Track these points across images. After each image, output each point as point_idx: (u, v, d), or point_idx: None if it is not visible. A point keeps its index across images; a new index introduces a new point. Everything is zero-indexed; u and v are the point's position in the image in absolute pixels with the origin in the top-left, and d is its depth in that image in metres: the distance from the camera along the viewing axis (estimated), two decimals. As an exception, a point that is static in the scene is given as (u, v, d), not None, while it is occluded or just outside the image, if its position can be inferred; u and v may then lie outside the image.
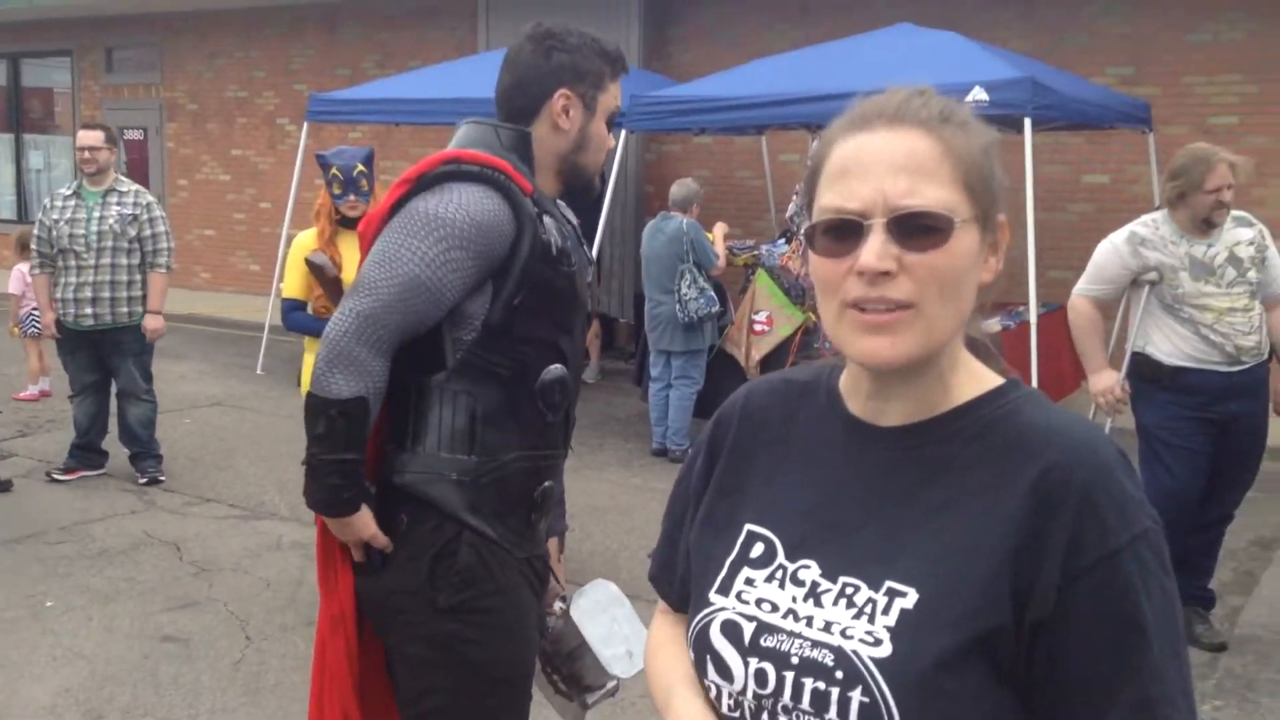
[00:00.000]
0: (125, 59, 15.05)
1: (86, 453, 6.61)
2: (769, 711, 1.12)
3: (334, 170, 4.45)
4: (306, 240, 4.55)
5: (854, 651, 1.09)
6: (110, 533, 5.68)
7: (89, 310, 6.21)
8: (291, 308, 4.56)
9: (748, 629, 1.15)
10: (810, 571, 1.17)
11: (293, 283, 4.55)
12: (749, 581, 1.19)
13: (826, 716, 1.09)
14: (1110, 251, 4.38)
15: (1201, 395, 4.24)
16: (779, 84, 7.26)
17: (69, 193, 6.30)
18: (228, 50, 14.04)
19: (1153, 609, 1.06)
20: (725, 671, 1.16)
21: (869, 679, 1.07)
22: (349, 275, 4.54)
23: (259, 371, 9.73)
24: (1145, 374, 4.38)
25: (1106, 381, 4.40)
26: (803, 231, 1.18)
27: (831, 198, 1.12)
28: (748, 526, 1.24)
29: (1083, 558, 1.06)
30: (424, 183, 2.13)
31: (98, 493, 6.34)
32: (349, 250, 4.55)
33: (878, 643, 1.09)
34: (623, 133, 7.67)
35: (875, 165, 1.10)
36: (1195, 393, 4.24)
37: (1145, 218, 4.42)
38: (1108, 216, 8.51)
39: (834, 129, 1.17)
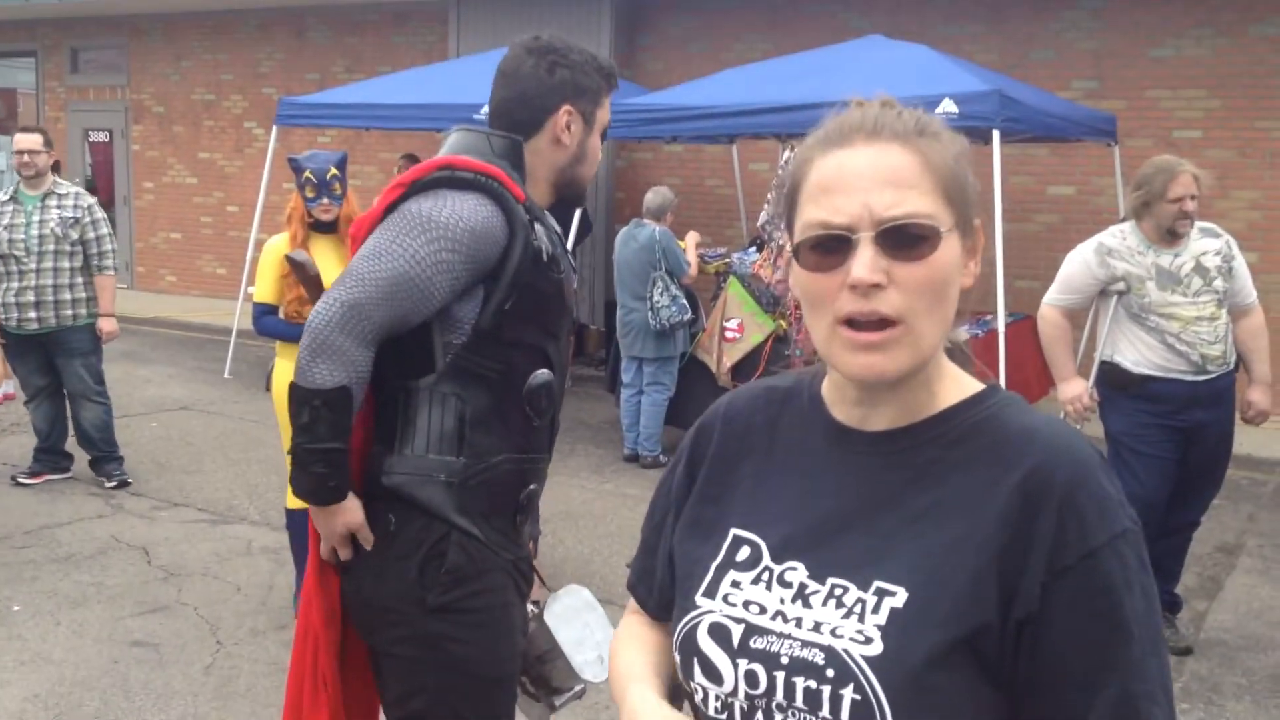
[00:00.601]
0: (91, 60, 14.91)
1: (51, 455, 6.55)
2: (763, 711, 1.14)
3: (307, 174, 4.44)
4: (278, 245, 4.54)
5: (845, 650, 1.11)
6: (77, 537, 5.63)
7: (32, 314, 6.16)
8: (263, 312, 4.54)
9: (736, 631, 1.17)
10: (797, 573, 1.18)
11: (265, 287, 4.53)
12: (735, 584, 1.21)
13: (820, 714, 1.11)
14: (1079, 262, 4.45)
15: (1168, 404, 4.31)
16: (750, 94, 7.31)
17: (5, 198, 6.24)
18: (195, 53, 13.95)
19: (1134, 606, 1.09)
20: (713, 674, 1.17)
21: (860, 677, 1.09)
22: (326, 279, 4.54)
23: (226, 375, 9.66)
24: (1113, 382, 4.45)
25: (1075, 390, 4.47)
26: (789, 248, 1.19)
27: (816, 213, 1.14)
28: (733, 531, 1.25)
29: (1066, 556, 1.09)
30: (418, 187, 2.14)
31: (64, 497, 6.28)
32: (321, 255, 4.54)
33: (868, 641, 1.11)
34: (595, 140, 7.69)
35: (859, 180, 1.12)
36: (1162, 401, 4.31)
37: (1113, 228, 4.49)
38: (1074, 227, 8.63)
39: (810, 146, 1.18)
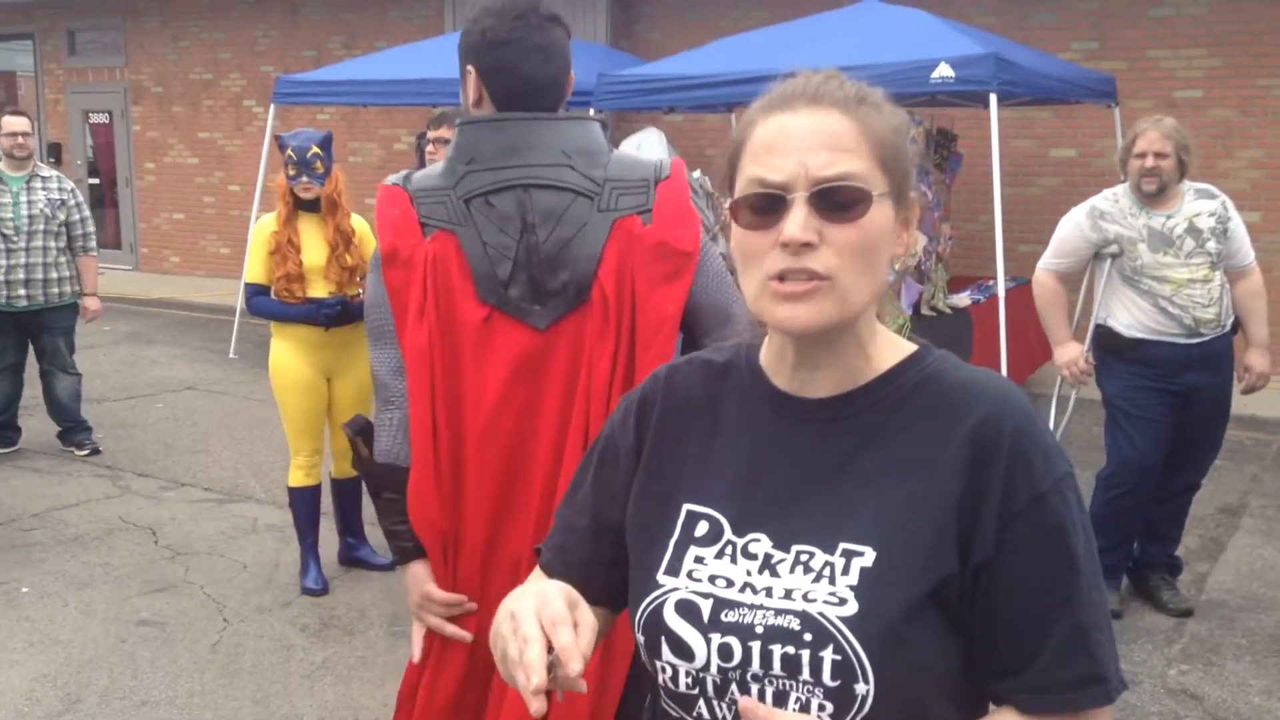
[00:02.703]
0: (88, 42, 14.88)
1: (3, 431, 6.75)
2: (737, 682, 1.16)
3: (289, 151, 4.46)
4: (266, 224, 4.56)
5: (820, 613, 1.13)
6: (84, 518, 5.68)
7: (22, 292, 6.37)
8: (255, 292, 4.57)
9: (705, 606, 1.18)
10: (761, 544, 1.20)
11: (255, 267, 4.56)
12: (699, 560, 1.22)
13: (800, 678, 1.13)
14: (1071, 225, 4.45)
15: (1161, 367, 4.31)
16: (746, 61, 7.27)
17: None
18: (192, 32, 13.91)
19: (1078, 543, 1.16)
20: (684, 650, 1.18)
21: (839, 637, 1.12)
22: (308, 257, 4.55)
23: (231, 355, 9.69)
24: (1107, 346, 4.45)
25: (1071, 354, 4.47)
26: (726, 207, 1.21)
27: (755, 171, 1.16)
28: (686, 507, 1.26)
29: (1016, 501, 1.14)
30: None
31: (72, 479, 6.33)
32: (308, 232, 4.57)
33: (842, 602, 1.14)
34: (590, 111, 7.67)
35: (798, 141, 1.15)
36: (1155, 364, 4.31)
37: (1106, 191, 4.48)
38: (1076, 190, 8.59)
39: (754, 109, 1.21)
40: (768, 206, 1.15)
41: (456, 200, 2.05)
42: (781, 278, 1.14)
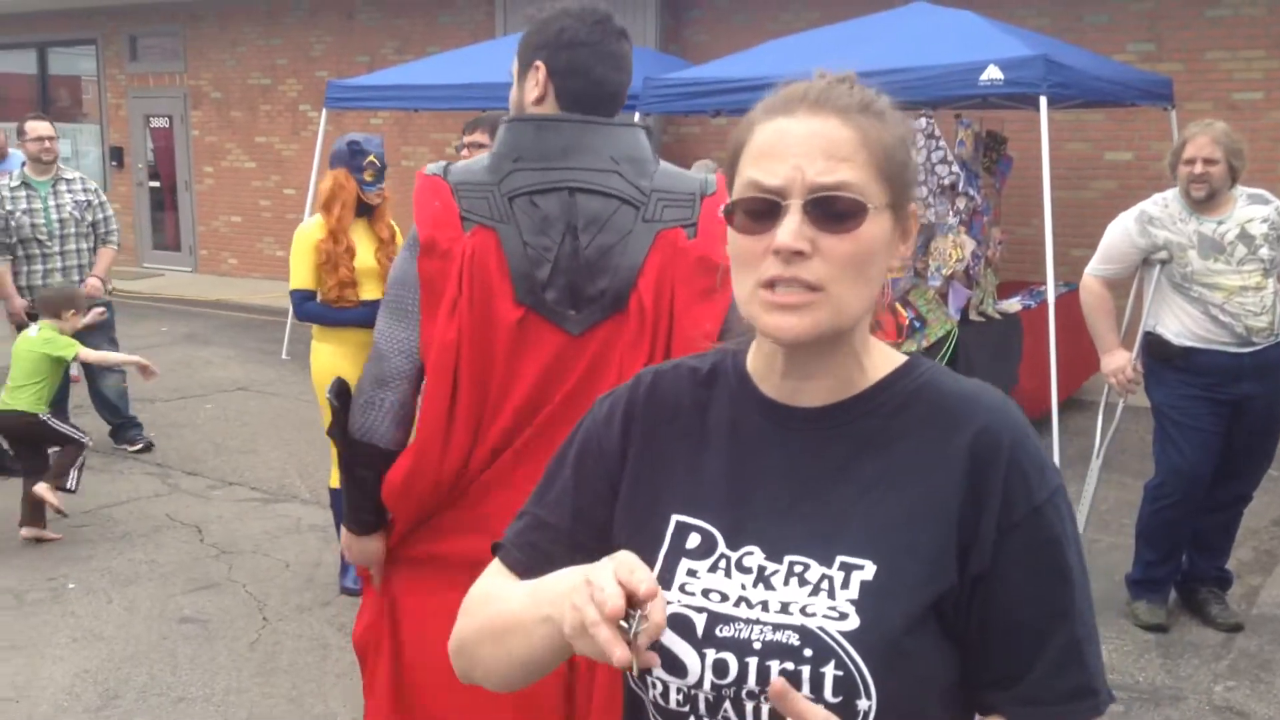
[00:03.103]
0: (149, 47, 15.14)
1: None
2: (731, 700, 1.13)
3: (371, 157, 4.48)
4: (311, 230, 4.55)
5: (820, 628, 1.11)
6: (133, 516, 5.77)
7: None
8: (304, 298, 4.56)
9: (699, 621, 1.15)
10: (754, 557, 1.18)
11: (301, 273, 4.54)
12: (691, 573, 1.19)
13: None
14: (1120, 230, 4.36)
15: (1211, 376, 4.21)
16: (793, 64, 7.01)
17: (16, 184, 6.45)
18: (250, 38, 14.11)
19: (1072, 556, 1.16)
20: (676, 666, 1.14)
21: (841, 653, 1.10)
22: (360, 260, 4.57)
23: (284, 356, 9.81)
24: (1156, 354, 4.36)
25: (1118, 361, 4.39)
26: (721, 210, 1.20)
27: (752, 174, 1.14)
28: (675, 518, 1.23)
29: (1014, 513, 1.14)
30: None
31: (123, 477, 6.43)
32: (359, 237, 4.59)
33: (843, 617, 1.11)
34: (635, 115, 7.67)
35: (796, 146, 1.13)
36: (1205, 373, 4.22)
37: (1156, 196, 4.39)
38: (1131, 194, 8.39)
39: (757, 111, 1.19)
40: (763, 211, 1.13)
41: (500, 197, 2.04)
42: (772, 285, 1.12)
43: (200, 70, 14.63)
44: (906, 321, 6.67)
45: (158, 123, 15.11)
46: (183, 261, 15.14)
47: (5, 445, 5.85)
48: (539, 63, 2.10)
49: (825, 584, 1.14)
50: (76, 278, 6.50)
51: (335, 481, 4.78)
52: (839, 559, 1.15)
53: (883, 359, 1.24)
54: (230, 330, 11.32)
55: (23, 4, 15.17)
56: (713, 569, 1.18)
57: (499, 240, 2.04)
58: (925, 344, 6.61)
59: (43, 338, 5.48)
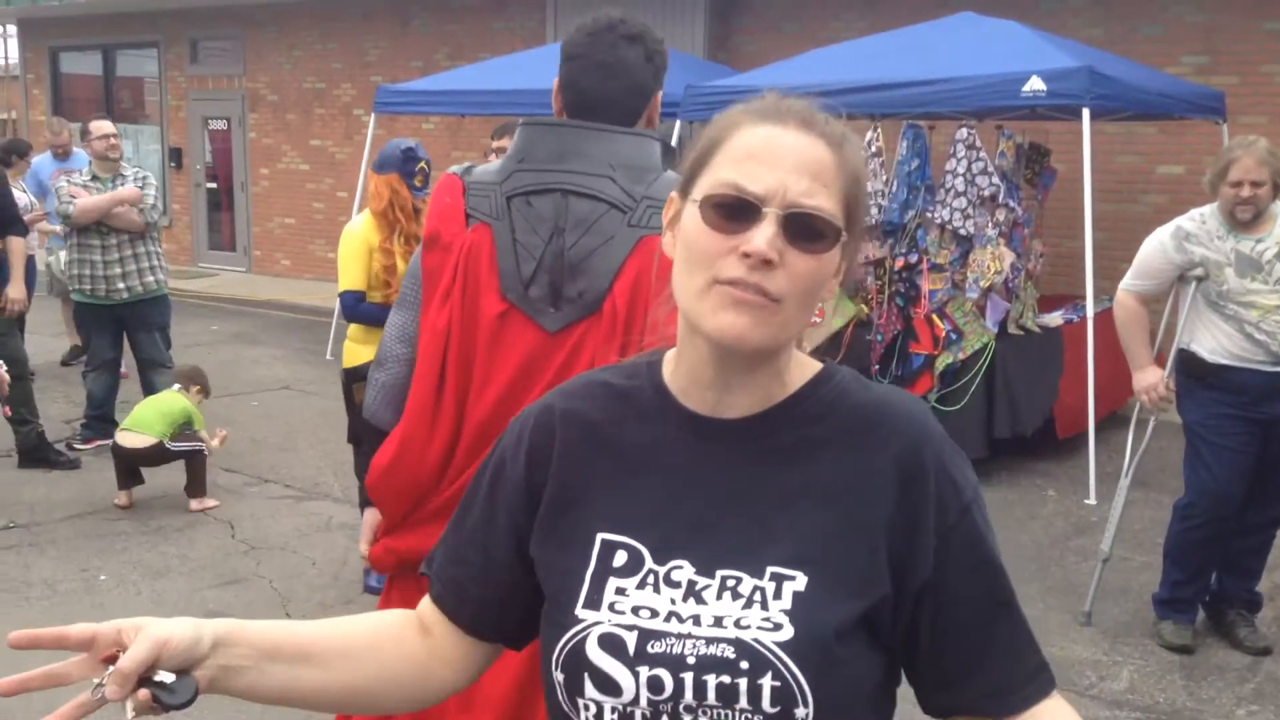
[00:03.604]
0: (210, 50, 15.43)
1: (104, 423, 6.96)
2: (668, 715, 1.13)
3: (422, 163, 4.52)
4: (360, 232, 4.56)
5: (755, 640, 1.11)
6: (168, 510, 5.87)
7: (120, 285, 6.62)
8: (358, 299, 4.57)
9: (630, 639, 1.14)
10: (683, 571, 1.17)
11: (352, 274, 4.55)
12: (620, 591, 1.18)
13: (737, 707, 1.10)
14: (1155, 246, 4.29)
15: (1245, 394, 4.13)
16: (838, 73, 7.19)
17: (88, 178, 6.66)
18: (306, 43, 14.33)
19: (996, 547, 1.21)
20: (609, 686, 1.14)
21: (777, 663, 1.10)
22: (403, 269, 4.60)
23: (328, 357, 9.93)
24: (1189, 371, 4.29)
25: (1150, 379, 4.32)
26: (690, 199, 1.18)
27: (733, 175, 1.14)
28: (601, 536, 1.21)
29: (949, 516, 1.17)
30: None
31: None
32: (401, 245, 4.62)
33: (777, 627, 1.12)
34: (677, 123, 7.68)
35: (786, 157, 1.13)
36: (1238, 391, 4.14)
37: (1194, 211, 4.32)
38: (1182, 208, 8.10)
39: (739, 113, 1.19)
40: (737, 212, 1.12)
41: (500, 196, 2.13)
42: (732, 285, 1.12)
43: (258, 73, 14.87)
44: (943, 333, 6.62)
45: (216, 125, 15.38)
46: (237, 262, 15.39)
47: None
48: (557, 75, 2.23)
49: (758, 596, 1.14)
50: (133, 267, 6.62)
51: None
52: (770, 570, 1.15)
53: (798, 367, 1.24)
54: (278, 330, 11.49)
55: (91, 7, 15.52)
56: (640, 585, 1.18)
57: (492, 236, 2.12)
58: (961, 356, 6.56)
59: (185, 407, 5.90)
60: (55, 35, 16.79)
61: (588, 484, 1.25)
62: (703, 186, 1.16)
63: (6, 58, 20.80)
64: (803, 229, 1.12)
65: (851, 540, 1.15)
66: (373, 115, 10.01)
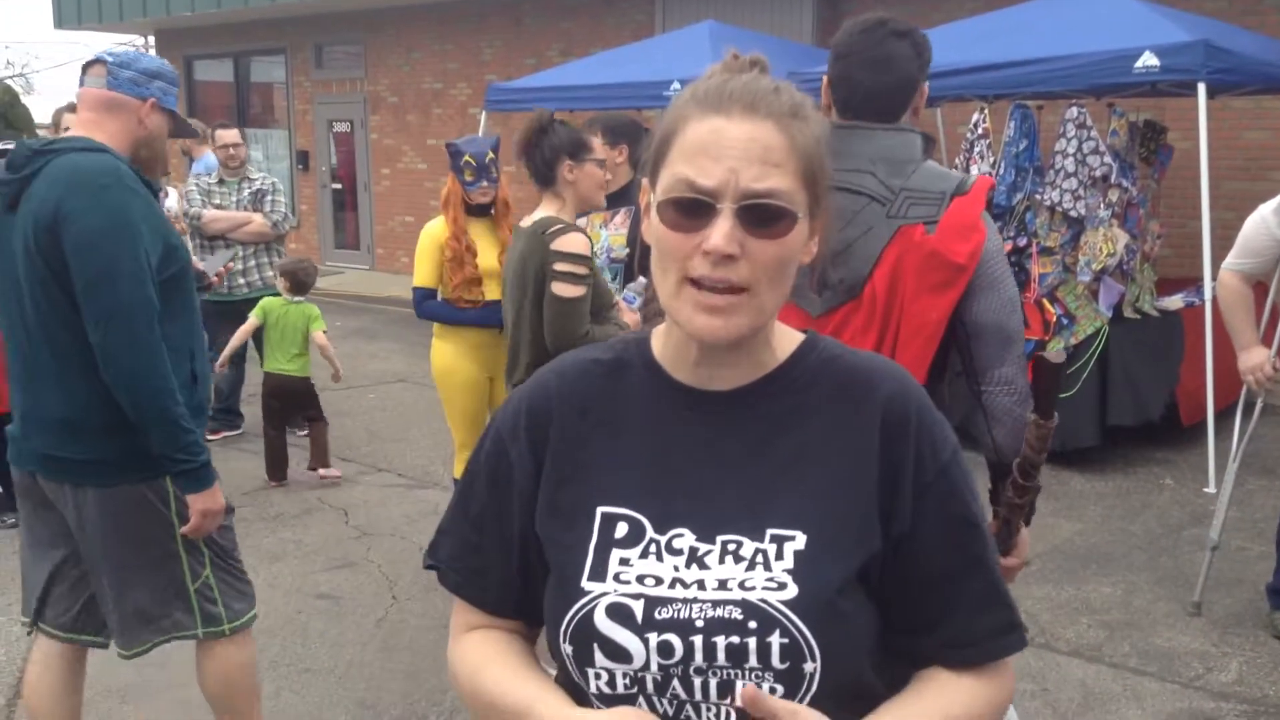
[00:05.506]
0: (333, 55, 15.91)
1: (228, 415, 7.37)
2: (679, 678, 1.17)
3: (467, 157, 4.59)
4: (435, 230, 4.67)
5: (762, 600, 1.15)
6: (288, 498, 6.12)
7: (242, 281, 7.04)
8: (424, 296, 4.66)
9: (638, 607, 1.18)
10: (684, 539, 1.21)
11: (424, 271, 4.64)
12: (624, 562, 1.22)
13: (746, 665, 1.15)
14: (1258, 223, 4.14)
15: (1360, 374, 3.96)
16: (946, 55, 7.04)
17: (215, 181, 7.12)
18: (424, 44, 14.66)
19: (975, 506, 1.26)
20: (619, 654, 1.18)
21: (785, 620, 1.15)
22: (484, 262, 4.69)
23: (444, 350, 10.16)
24: (1300, 351, 4.12)
25: (1256, 359, 4.16)
26: (649, 199, 1.22)
27: (686, 170, 1.17)
28: (601, 510, 1.25)
29: (927, 473, 1.23)
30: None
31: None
32: (480, 237, 4.70)
33: (782, 586, 1.16)
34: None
35: (732, 148, 1.16)
36: (1353, 372, 3.96)
37: (1303, 185, 4.14)
38: (1316, 185, 7.92)
39: (688, 102, 1.21)
40: (694, 210, 1.16)
41: None
42: (699, 284, 1.16)
43: (379, 76, 15.27)
44: (1054, 318, 6.47)
45: (340, 127, 15.85)
46: (361, 260, 15.86)
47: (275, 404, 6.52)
48: (826, 75, 2.34)
49: (760, 558, 1.18)
50: (252, 263, 7.04)
51: (458, 473, 4.95)
52: (770, 532, 1.19)
53: (784, 337, 1.29)
54: (397, 325, 11.80)
55: (223, 16, 16.15)
56: (644, 555, 1.22)
57: None
58: (1073, 341, 6.39)
59: (307, 311, 6.40)
60: (189, 44, 17.50)
61: (585, 460, 1.29)
62: (662, 184, 1.20)
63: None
64: (760, 216, 1.15)
65: (846, 499, 1.20)
66: (484, 113, 10.19)
